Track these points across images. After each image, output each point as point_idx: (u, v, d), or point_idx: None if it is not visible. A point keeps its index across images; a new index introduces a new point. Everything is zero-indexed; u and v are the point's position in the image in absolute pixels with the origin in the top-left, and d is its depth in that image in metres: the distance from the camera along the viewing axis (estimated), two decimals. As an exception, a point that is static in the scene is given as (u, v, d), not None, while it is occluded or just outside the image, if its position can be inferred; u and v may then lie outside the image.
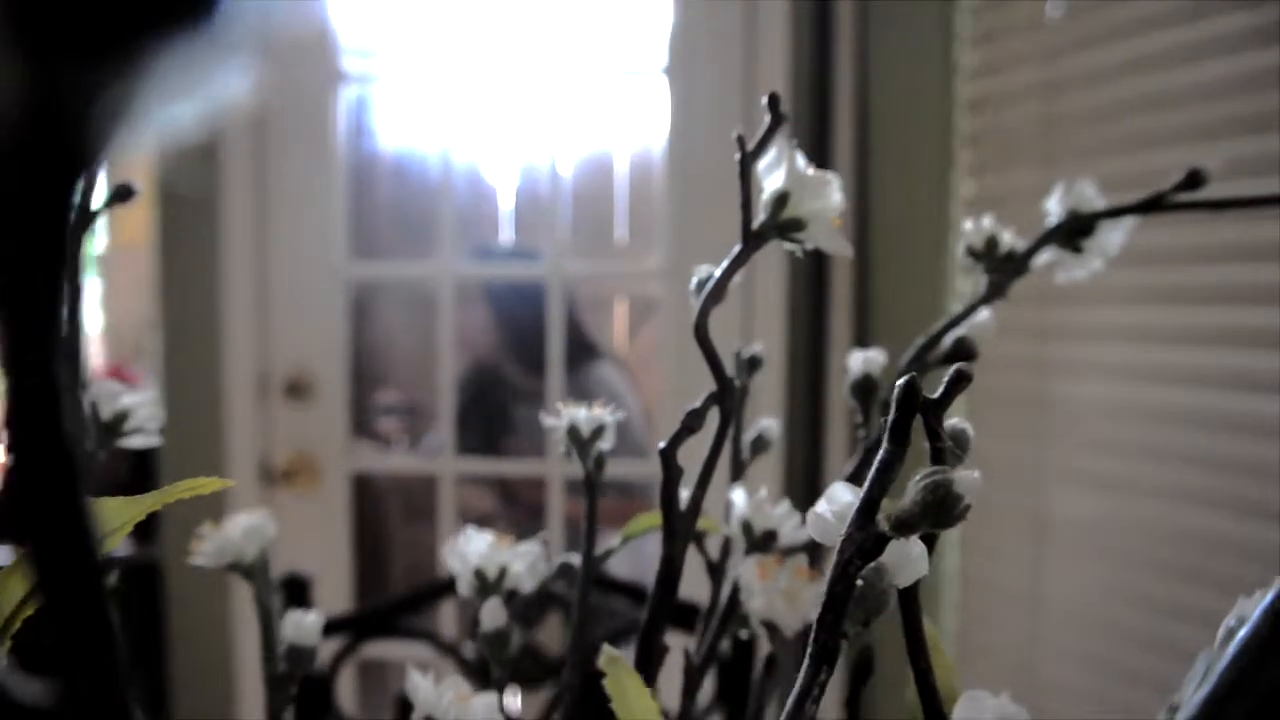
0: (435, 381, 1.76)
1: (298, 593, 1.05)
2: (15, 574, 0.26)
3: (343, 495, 1.75)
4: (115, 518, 0.28)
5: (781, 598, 0.45)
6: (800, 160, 0.45)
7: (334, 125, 1.71)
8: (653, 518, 0.47)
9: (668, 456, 0.41)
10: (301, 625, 0.48)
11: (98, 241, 2.60)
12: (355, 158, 1.84)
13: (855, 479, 0.50)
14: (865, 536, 0.26)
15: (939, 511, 0.25)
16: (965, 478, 0.25)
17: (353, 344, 1.76)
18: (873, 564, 0.27)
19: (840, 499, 0.31)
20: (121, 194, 0.52)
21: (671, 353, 1.66)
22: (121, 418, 0.46)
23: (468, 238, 2.03)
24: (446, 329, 1.74)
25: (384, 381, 2.10)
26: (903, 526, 0.25)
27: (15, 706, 0.16)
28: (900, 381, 0.27)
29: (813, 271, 1.60)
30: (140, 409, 0.46)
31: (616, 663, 0.25)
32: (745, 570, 0.45)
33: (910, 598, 0.31)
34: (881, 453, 0.27)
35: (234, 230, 1.69)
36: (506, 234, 2.10)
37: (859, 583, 0.27)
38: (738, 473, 0.55)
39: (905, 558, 0.28)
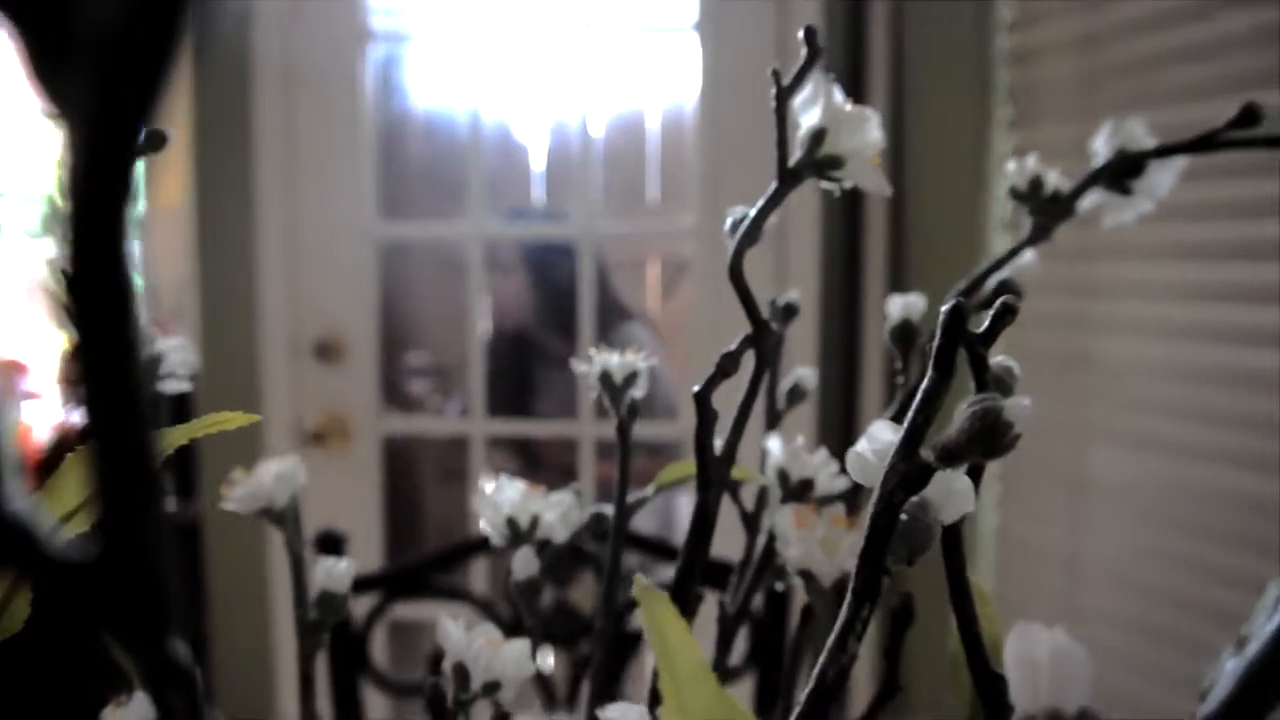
0: (465, 343, 1.76)
1: (332, 549, 1.06)
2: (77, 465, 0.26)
3: (374, 457, 1.76)
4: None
5: (819, 546, 0.44)
6: (838, 95, 0.43)
7: (361, 84, 1.70)
8: (686, 466, 0.46)
9: (702, 400, 0.40)
10: (333, 572, 0.47)
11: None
12: (385, 117, 1.83)
13: (896, 422, 0.49)
14: (909, 468, 0.25)
15: (988, 439, 0.24)
16: (1016, 404, 0.24)
17: (383, 305, 1.77)
18: (917, 497, 0.26)
19: (881, 437, 0.30)
20: (154, 141, 0.51)
21: (704, 313, 1.65)
22: (154, 362, 0.45)
23: (498, 198, 2.01)
24: (477, 290, 1.74)
25: (415, 343, 2.10)
26: (949, 456, 0.24)
27: (60, 565, 0.16)
28: (946, 307, 0.26)
29: (847, 221, 1.58)
30: (173, 353, 0.46)
31: (651, 593, 0.24)
32: (781, 519, 0.44)
33: (954, 540, 0.30)
34: (925, 381, 0.26)
35: (264, 190, 1.69)
36: (537, 194, 2.09)
37: (902, 517, 0.26)
38: (773, 422, 0.54)
39: (950, 492, 0.27)
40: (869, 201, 1.55)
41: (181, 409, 1.68)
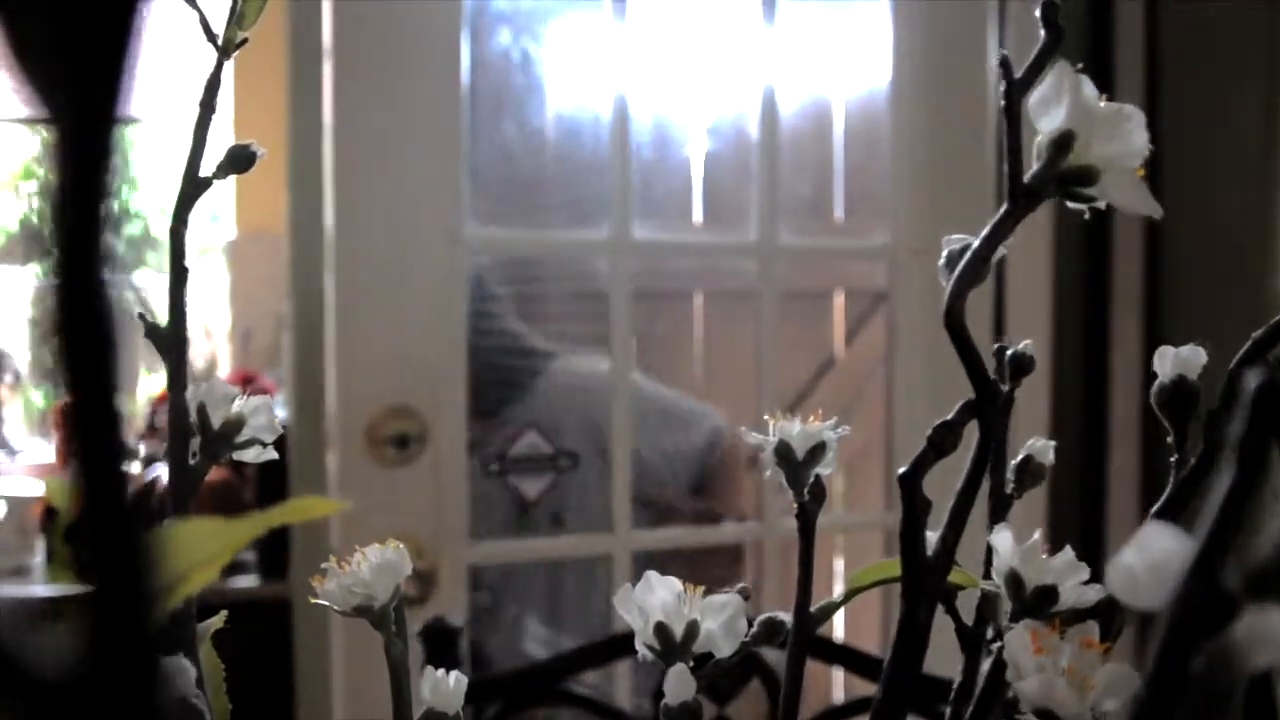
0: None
1: (443, 647, 1.06)
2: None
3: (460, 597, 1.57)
4: (213, 542, 0.27)
5: (1064, 679, 0.42)
6: (1088, 90, 0.42)
7: (456, 42, 1.53)
8: (889, 566, 0.44)
9: (910, 485, 0.38)
10: (439, 687, 0.47)
11: (223, 226, 2.75)
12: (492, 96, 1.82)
13: (1168, 516, 0.46)
14: (1207, 599, 0.23)
15: (1322, 566, 0.21)
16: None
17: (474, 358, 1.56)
18: (1217, 638, 0.23)
19: (1156, 545, 0.28)
20: (238, 159, 0.53)
21: (915, 355, 1.59)
22: (235, 426, 0.46)
23: (644, 211, 2.01)
24: (620, 329, 1.63)
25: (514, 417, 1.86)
26: (1266, 587, 0.22)
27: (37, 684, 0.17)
28: (1254, 381, 0.24)
29: (1087, 249, 1.52)
30: (256, 416, 0.47)
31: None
32: (1015, 640, 0.42)
33: (1263, 693, 0.28)
34: (1228, 483, 0.23)
35: (340, 196, 1.50)
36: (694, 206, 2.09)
37: (1196, 664, 0.24)
38: (1000, 510, 0.52)
39: (1262, 630, 0.25)
40: (1117, 222, 1.49)
41: (274, 474, 1.71)
